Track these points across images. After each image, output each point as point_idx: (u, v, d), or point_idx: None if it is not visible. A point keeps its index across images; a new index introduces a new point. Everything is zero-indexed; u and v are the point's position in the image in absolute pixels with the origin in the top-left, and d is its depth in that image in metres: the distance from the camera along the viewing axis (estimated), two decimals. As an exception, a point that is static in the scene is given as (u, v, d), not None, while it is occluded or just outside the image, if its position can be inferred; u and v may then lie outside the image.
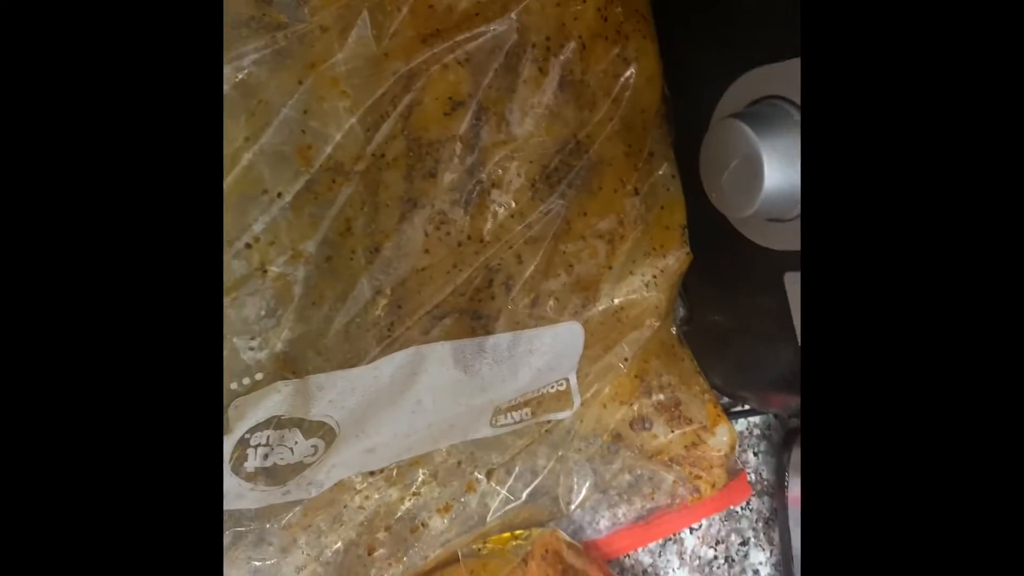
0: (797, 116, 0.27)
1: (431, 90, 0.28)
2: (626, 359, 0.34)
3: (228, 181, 0.27)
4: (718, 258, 0.34)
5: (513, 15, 0.29)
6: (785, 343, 0.33)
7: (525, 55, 0.29)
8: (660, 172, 0.33)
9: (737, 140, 0.28)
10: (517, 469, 0.33)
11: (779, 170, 0.28)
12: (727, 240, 0.32)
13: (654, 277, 0.33)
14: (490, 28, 0.29)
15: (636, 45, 0.31)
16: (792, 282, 0.31)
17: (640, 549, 0.39)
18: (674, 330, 0.38)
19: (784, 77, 0.28)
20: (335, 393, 0.29)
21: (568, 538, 0.35)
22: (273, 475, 0.29)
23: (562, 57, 0.30)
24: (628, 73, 0.31)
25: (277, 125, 0.27)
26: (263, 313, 0.28)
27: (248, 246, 0.28)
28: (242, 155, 0.27)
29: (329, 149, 0.28)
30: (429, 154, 0.29)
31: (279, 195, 0.28)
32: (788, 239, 0.30)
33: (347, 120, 0.28)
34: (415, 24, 0.28)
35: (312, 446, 0.29)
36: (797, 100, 0.28)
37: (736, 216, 0.29)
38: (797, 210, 0.29)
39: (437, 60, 0.28)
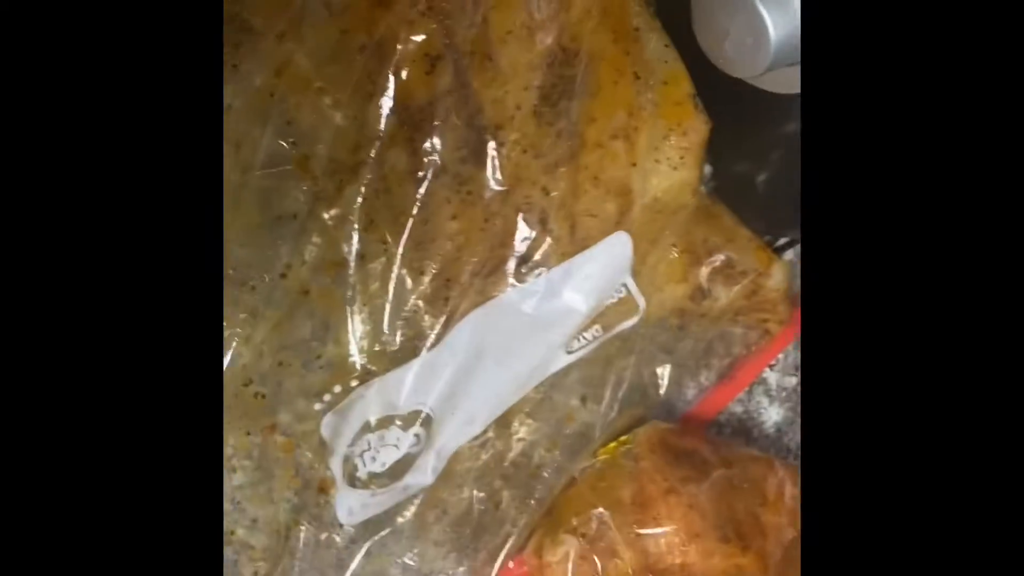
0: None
1: (404, 53, 0.26)
2: (674, 244, 0.33)
3: (239, 218, 0.26)
4: (735, 112, 0.33)
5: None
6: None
7: (484, -20, 0.27)
8: (652, 46, 0.31)
9: (729, 2, 0.26)
10: (607, 382, 0.34)
11: (781, 18, 0.26)
12: (741, 93, 0.31)
13: (681, 158, 0.32)
14: (438, -34, 0.26)
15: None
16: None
17: (730, 403, 0.40)
18: (703, 189, 0.37)
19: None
20: (417, 381, 0.29)
21: (667, 425, 0.36)
22: (388, 474, 0.29)
23: (522, -32, 0.27)
24: (592, -42, 0.29)
25: (266, 147, 0.26)
26: (320, 331, 0.28)
27: (283, 275, 0.27)
28: (242, 189, 0.26)
29: (326, 151, 0.26)
30: (424, 120, 0.27)
31: (294, 216, 0.27)
32: (806, 79, 0.28)
33: (333, 115, 0.26)
34: (363, -11, 0.26)
35: (415, 435, 0.29)
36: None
37: (749, 76, 0.28)
38: (808, 48, 0.27)
39: (399, 19, 0.26)
